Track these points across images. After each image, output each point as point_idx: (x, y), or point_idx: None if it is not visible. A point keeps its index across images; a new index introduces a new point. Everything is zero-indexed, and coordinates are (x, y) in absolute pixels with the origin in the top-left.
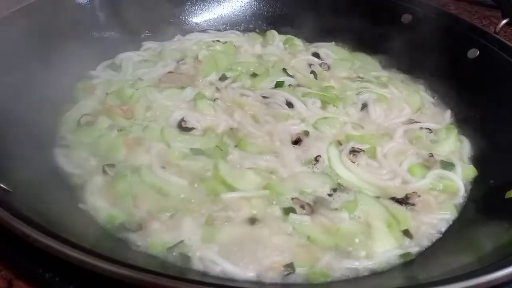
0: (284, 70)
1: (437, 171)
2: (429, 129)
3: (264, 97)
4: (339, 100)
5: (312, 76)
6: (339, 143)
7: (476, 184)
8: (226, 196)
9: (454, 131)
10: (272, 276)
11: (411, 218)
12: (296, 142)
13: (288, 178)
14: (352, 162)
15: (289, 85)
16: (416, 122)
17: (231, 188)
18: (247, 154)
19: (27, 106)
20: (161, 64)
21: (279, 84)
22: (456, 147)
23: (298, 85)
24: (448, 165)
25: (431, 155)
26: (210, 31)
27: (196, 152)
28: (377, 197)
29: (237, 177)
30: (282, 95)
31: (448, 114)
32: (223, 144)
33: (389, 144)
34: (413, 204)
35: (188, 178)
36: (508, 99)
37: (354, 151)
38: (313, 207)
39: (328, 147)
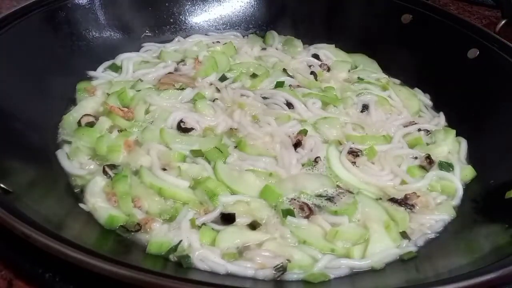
0: (285, 70)
1: (436, 172)
2: (427, 131)
3: (264, 97)
4: (339, 101)
5: (312, 77)
6: (339, 143)
7: (476, 184)
8: (226, 199)
9: (452, 132)
10: (268, 276)
11: (409, 219)
12: (297, 145)
13: (287, 179)
14: (352, 162)
15: (289, 86)
16: (415, 123)
17: (231, 190)
18: (247, 155)
19: (27, 107)
20: (161, 65)
21: (279, 84)
22: (454, 148)
23: (299, 86)
24: (446, 166)
25: (430, 157)
26: (210, 33)
27: (196, 153)
28: (377, 199)
29: (237, 180)
30: (282, 95)
31: (443, 116)
32: (222, 145)
33: (388, 146)
34: (412, 205)
35: (188, 180)
36: (508, 99)
37: (353, 152)
38: (312, 209)
39: (328, 147)
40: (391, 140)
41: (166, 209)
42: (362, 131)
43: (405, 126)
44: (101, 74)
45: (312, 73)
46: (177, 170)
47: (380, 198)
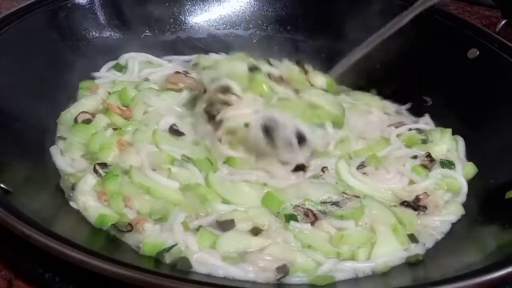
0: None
1: (439, 170)
2: (419, 130)
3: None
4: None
5: (297, 68)
6: (349, 157)
7: (476, 184)
8: (221, 207)
9: (448, 131)
10: (269, 279)
11: (418, 221)
12: (299, 168)
13: (289, 187)
14: (363, 173)
15: (268, 75)
16: (405, 124)
17: (224, 200)
18: (237, 170)
19: (27, 107)
20: (168, 65)
21: (254, 69)
22: (452, 146)
23: (281, 79)
24: (448, 164)
25: (430, 155)
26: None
27: (187, 159)
28: (391, 206)
29: (230, 190)
30: (291, 124)
31: (428, 116)
32: (213, 157)
33: (388, 148)
34: (425, 207)
35: (179, 182)
36: (508, 99)
37: (361, 165)
38: (317, 215)
39: (337, 162)
40: (388, 144)
41: (156, 208)
42: (364, 141)
43: (396, 127)
44: (105, 74)
45: (298, 62)
46: (167, 172)
47: (395, 205)
